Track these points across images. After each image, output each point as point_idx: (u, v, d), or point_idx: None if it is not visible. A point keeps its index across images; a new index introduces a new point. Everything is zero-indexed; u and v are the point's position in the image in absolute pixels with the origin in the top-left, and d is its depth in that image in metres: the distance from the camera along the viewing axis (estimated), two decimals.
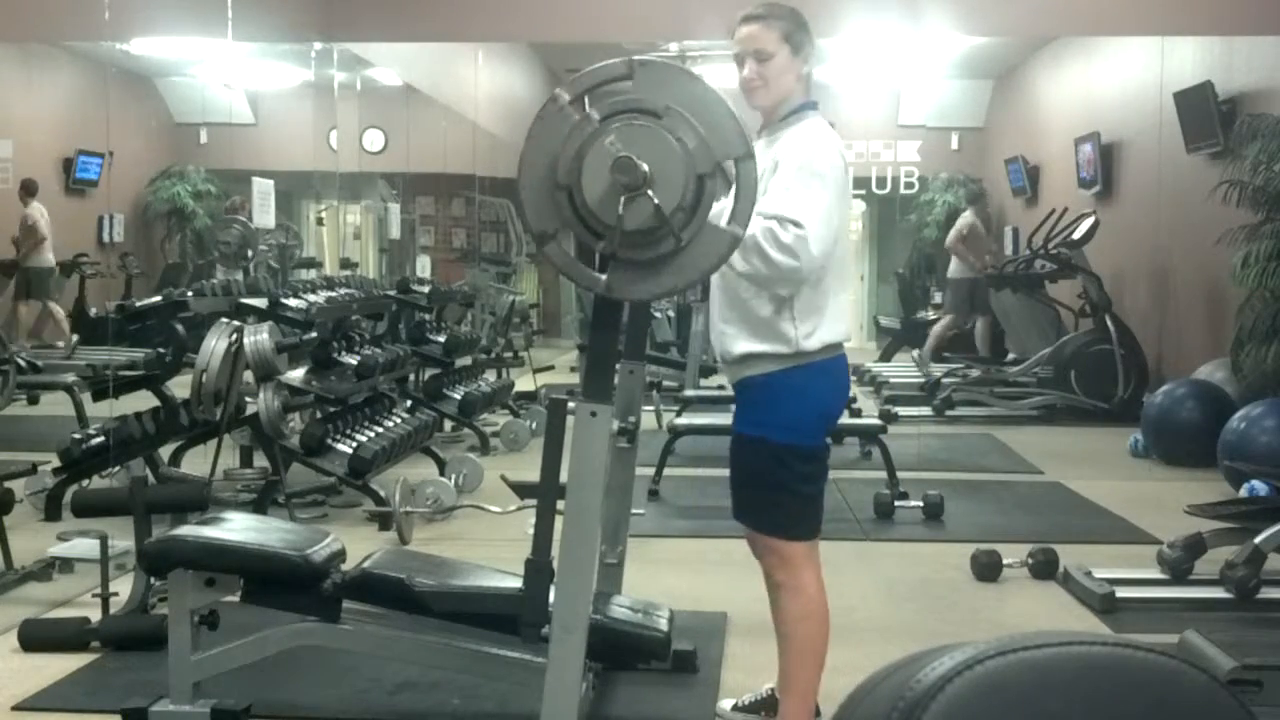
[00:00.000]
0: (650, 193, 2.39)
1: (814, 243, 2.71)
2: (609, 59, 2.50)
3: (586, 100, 2.47)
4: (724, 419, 7.61)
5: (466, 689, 3.39)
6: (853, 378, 11.68)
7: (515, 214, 11.92)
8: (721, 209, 2.50)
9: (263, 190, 7.28)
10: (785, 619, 2.97)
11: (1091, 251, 9.33)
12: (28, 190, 8.39)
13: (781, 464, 2.89)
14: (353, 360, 6.05)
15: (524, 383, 8.89)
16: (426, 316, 7.91)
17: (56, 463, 5.40)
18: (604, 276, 2.50)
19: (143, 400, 5.63)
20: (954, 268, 11.06)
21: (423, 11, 7.70)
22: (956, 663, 0.84)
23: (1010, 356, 10.56)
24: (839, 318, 2.93)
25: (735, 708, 3.31)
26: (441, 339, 7.54)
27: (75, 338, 8.38)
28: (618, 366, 3.34)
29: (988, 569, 4.70)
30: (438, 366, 7.59)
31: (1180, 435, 7.14)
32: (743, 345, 2.89)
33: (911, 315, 11.71)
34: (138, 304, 6.16)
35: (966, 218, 11.29)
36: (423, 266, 11.08)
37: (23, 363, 6.46)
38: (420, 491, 5.56)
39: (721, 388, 9.65)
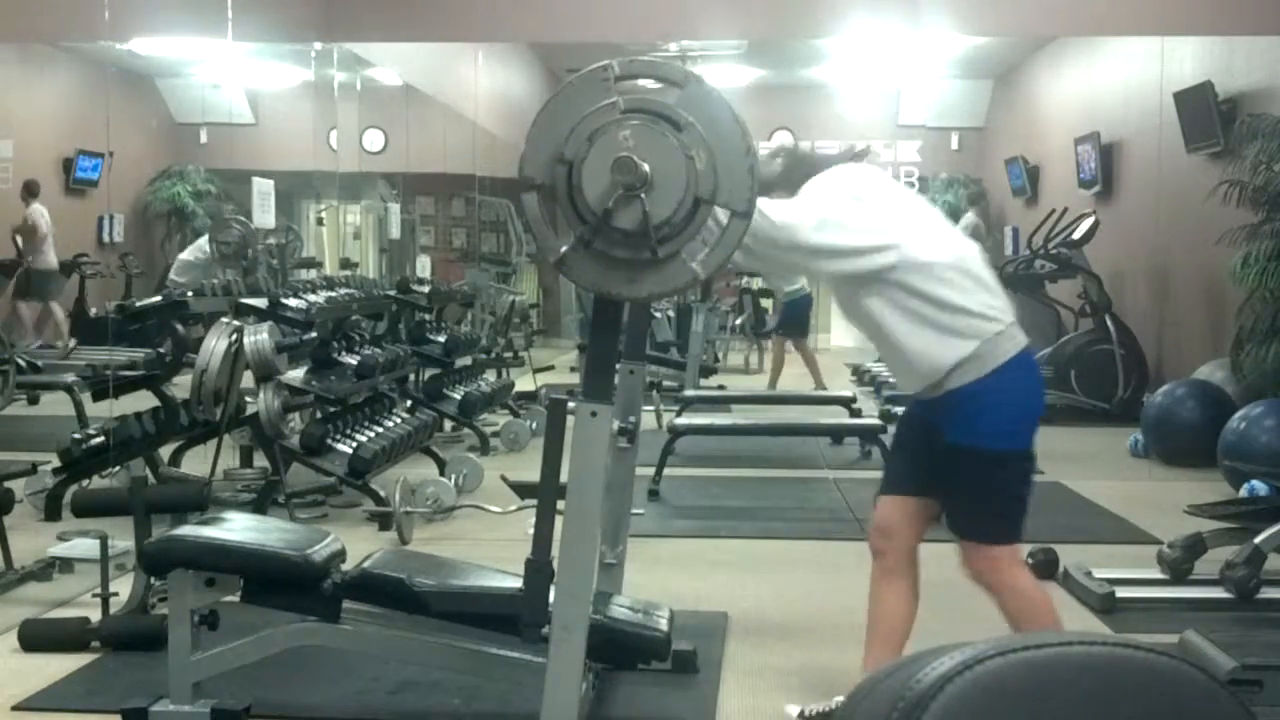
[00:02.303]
0: (644, 197, 2.38)
1: (795, 220, 2.83)
2: (605, 59, 2.49)
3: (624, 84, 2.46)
4: (724, 419, 7.68)
5: (466, 689, 3.39)
6: (852, 378, 11.66)
7: (515, 214, 11.92)
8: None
9: (263, 190, 7.28)
10: (1017, 621, 3.07)
11: (1091, 251, 9.32)
12: (30, 191, 8.40)
13: (996, 469, 2.98)
14: (353, 360, 6.05)
15: (524, 383, 8.89)
16: (426, 316, 7.91)
17: (56, 463, 5.40)
18: (565, 248, 2.49)
19: (143, 400, 5.63)
20: None
21: (423, 11, 7.70)
22: (956, 663, 0.84)
23: None
24: (991, 313, 2.95)
25: (802, 715, 3.27)
26: (441, 339, 7.54)
27: (74, 341, 8.38)
28: (618, 366, 3.33)
29: None
30: (438, 366, 7.58)
31: (1180, 435, 7.13)
32: (932, 363, 2.94)
33: None
34: (138, 304, 6.16)
35: (969, 219, 11.28)
36: (423, 266, 11.08)
37: (23, 363, 6.46)
38: (420, 491, 5.56)
39: (721, 387, 9.68)
